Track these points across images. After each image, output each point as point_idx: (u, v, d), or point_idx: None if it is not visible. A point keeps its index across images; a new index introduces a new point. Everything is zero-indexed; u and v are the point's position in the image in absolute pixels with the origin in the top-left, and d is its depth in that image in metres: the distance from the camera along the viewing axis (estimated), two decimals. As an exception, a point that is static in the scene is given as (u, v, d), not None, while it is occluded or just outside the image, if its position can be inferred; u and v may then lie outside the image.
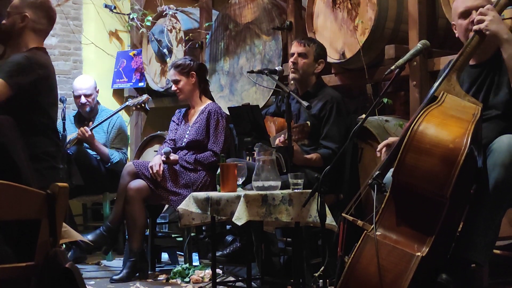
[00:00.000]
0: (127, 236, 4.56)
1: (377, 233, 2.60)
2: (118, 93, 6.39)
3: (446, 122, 2.64)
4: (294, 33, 4.66)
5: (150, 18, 5.84)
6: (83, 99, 5.27)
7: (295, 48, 4.07)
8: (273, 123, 4.07)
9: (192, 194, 3.57)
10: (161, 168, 4.38)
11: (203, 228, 4.61)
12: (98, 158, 5.15)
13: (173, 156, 4.47)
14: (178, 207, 3.63)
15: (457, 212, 2.75)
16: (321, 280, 3.35)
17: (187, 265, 4.32)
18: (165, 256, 5.13)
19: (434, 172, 2.54)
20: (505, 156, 2.74)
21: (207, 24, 5.43)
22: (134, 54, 6.14)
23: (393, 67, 2.96)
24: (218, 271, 4.13)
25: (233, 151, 4.79)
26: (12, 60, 3.31)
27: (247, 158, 4.15)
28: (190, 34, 5.54)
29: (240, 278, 3.92)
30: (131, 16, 6.09)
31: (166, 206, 4.94)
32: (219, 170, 3.50)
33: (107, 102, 5.97)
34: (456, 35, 3.14)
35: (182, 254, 4.77)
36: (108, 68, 6.29)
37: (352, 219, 2.74)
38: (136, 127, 6.21)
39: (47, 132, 3.40)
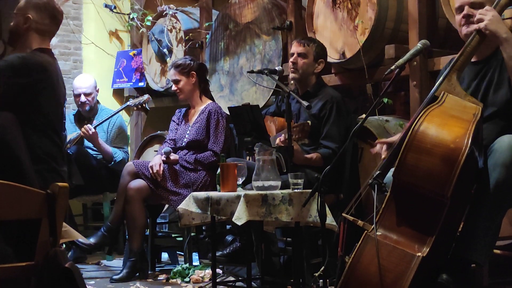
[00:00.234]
0: (127, 236, 4.56)
1: (377, 233, 2.60)
2: (118, 93, 6.39)
3: (447, 122, 2.64)
4: (294, 33, 4.66)
5: (150, 18, 5.84)
6: (82, 98, 5.27)
7: (295, 48, 4.06)
8: (273, 123, 4.07)
9: (192, 194, 3.57)
10: (161, 168, 4.38)
11: (203, 228, 4.61)
12: (98, 158, 5.14)
13: (173, 156, 4.47)
14: (178, 207, 3.63)
15: (458, 212, 2.74)
16: (321, 280, 3.35)
17: (187, 265, 4.32)
18: (165, 256, 5.13)
19: (435, 172, 2.54)
20: (506, 156, 2.74)
21: (207, 24, 5.43)
22: (134, 54, 6.14)
23: (393, 67, 2.96)
24: (218, 271, 4.13)
25: (233, 151, 4.78)
26: (6, 59, 3.33)
27: (247, 158, 4.15)
28: (190, 34, 5.54)
29: (240, 278, 3.92)
30: (131, 16, 6.09)
31: (166, 206, 4.93)
32: (219, 170, 3.49)
33: (107, 102, 5.97)
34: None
35: (182, 254, 4.77)
36: (108, 68, 6.29)
37: (352, 219, 2.74)
38: (136, 127, 6.21)
39: (47, 133, 3.40)
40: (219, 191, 3.46)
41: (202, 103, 4.66)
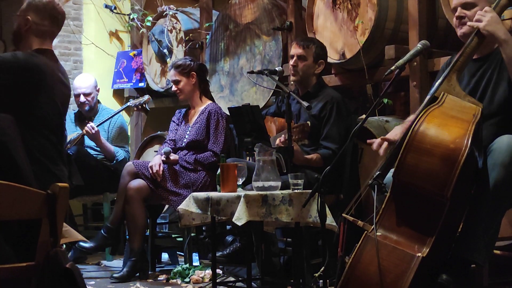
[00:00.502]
0: (127, 236, 4.56)
1: (377, 233, 2.60)
2: (118, 93, 6.39)
3: (447, 122, 2.64)
4: (294, 34, 4.66)
5: (150, 19, 5.84)
6: (82, 98, 5.26)
7: (294, 50, 4.05)
8: (273, 123, 4.07)
9: (192, 194, 3.57)
10: (161, 168, 4.38)
11: (203, 228, 4.61)
12: (99, 158, 5.15)
13: (173, 156, 4.47)
14: (178, 207, 3.63)
15: (458, 212, 2.75)
16: (321, 281, 3.35)
17: (187, 265, 4.32)
18: (165, 256, 5.13)
19: (434, 173, 2.54)
20: (505, 156, 2.75)
21: (207, 25, 5.43)
22: (134, 55, 6.14)
23: (393, 67, 2.96)
24: (218, 271, 4.13)
25: (233, 151, 4.79)
26: (1, 55, 3.40)
27: (247, 158, 4.15)
28: (190, 35, 5.54)
29: (240, 278, 3.92)
30: (131, 17, 6.09)
31: (166, 206, 4.93)
32: (219, 170, 3.50)
33: (107, 102, 5.97)
34: None
35: (182, 254, 4.77)
36: (108, 68, 6.29)
37: (352, 220, 2.74)
38: (136, 127, 6.21)
39: (41, 132, 3.42)
40: (219, 192, 3.46)
41: (202, 103, 4.66)
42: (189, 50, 5.48)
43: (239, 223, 3.20)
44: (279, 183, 3.37)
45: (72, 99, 5.51)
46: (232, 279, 4.03)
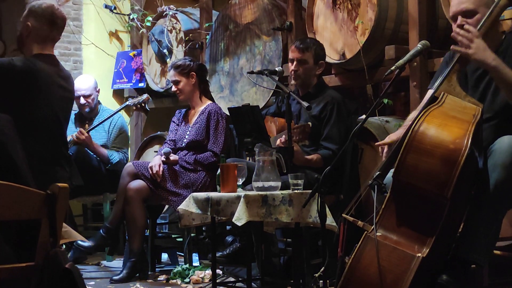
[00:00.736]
0: (127, 237, 4.56)
1: (377, 233, 2.60)
2: (118, 94, 6.39)
3: (447, 123, 2.63)
4: (294, 34, 4.66)
5: (150, 19, 5.84)
6: (82, 100, 5.25)
7: (294, 54, 4.01)
8: (273, 123, 4.07)
9: (192, 195, 3.57)
10: (161, 169, 4.38)
11: (203, 228, 4.61)
12: (98, 158, 5.14)
13: (173, 157, 4.47)
14: (178, 207, 3.63)
15: (458, 212, 2.74)
16: (321, 281, 3.35)
17: (187, 265, 4.32)
18: (165, 256, 5.13)
19: (434, 173, 2.54)
20: (506, 156, 2.74)
21: (207, 25, 5.43)
22: (134, 55, 6.14)
23: (393, 67, 2.96)
24: (218, 271, 4.13)
25: (233, 151, 4.78)
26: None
27: (247, 158, 4.15)
28: (190, 35, 5.54)
29: (240, 279, 3.92)
30: (131, 17, 6.09)
31: (166, 206, 4.93)
32: (219, 171, 3.50)
33: (107, 103, 5.97)
34: None
35: (182, 254, 4.77)
36: (108, 69, 6.29)
37: (352, 220, 2.74)
38: (136, 128, 6.21)
39: (33, 134, 3.50)
40: (219, 192, 3.46)
41: (202, 103, 4.66)
42: (189, 50, 5.48)
43: (239, 224, 3.20)
44: (279, 183, 3.36)
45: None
46: (232, 279, 4.03)
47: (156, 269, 4.67)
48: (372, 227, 2.62)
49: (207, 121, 4.53)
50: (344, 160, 3.86)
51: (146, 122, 6.25)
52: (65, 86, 3.79)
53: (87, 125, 5.16)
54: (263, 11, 4.88)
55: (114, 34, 6.50)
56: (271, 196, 3.28)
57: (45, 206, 1.79)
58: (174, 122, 4.77)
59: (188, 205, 3.55)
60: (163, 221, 5.26)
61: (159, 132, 5.55)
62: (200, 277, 4.13)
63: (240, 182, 3.51)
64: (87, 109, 5.29)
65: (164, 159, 4.43)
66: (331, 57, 4.35)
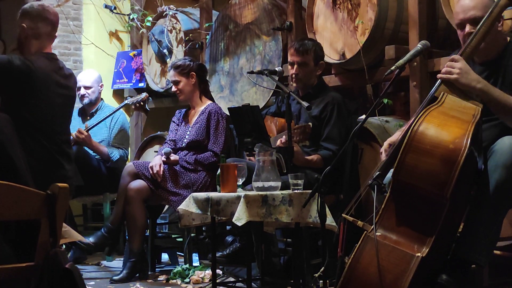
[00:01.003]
0: (127, 237, 4.56)
1: (377, 233, 2.60)
2: (118, 94, 6.39)
3: (446, 122, 2.64)
4: (294, 34, 4.66)
5: (150, 19, 5.84)
6: (82, 91, 5.30)
7: (294, 58, 3.99)
8: (273, 123, 4.07)
9: (192, 195, 3.57)
10: (161, 169, 4.38)
11: (203, 228, 4.61)
12: (99, 158, 5.14)
13: (173, 157, 4.47)
14: (178, 207, 3.63)
15: (457, 212, 2.75)
16: (321, 281, 3.35)
17: (187, 265, 4.32)
18: (165, 256, 5.12)
19: (434, 173, 2.54)
20: (507, 157, 2.74)
21: (207, 25, 5.43)
22: (134, 55, 6.14)
23: (393, 67, 2.96)
24: (218, 271, 4.13)
25: (233, 151, 4.78)
26: None
27: (247, 158, 4.15)
28: (190, 35, 5.54)
29: (240, 279, 3.92)
30: (131, 17, 6.09)
31: (166, 206, 4.93)
32: (219, 171, 3.50)
33: (107, 102, 5.97)
34: None
35: (182, 254, 4.77)
36: (108, 69, 6.29)
37: (352, 220, 2.74)
38: (136, 128, 6.21)
39: (29, 132, 3.51)
40: (219, 192, 3.46)
41: (202, 103, 4.66)
42: (189, 50, 5.48)
43: (239, 224, 3.20)
44: (279, 184, 3.36)
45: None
46: (232, 279, 4.03)
47: (156, 269, 4.67)
48: (372, 227, 2.62)
49: (207, 121, 4.53)
50: (344, 160, 3.86)
51: (146, 122, 6.25)
52: (65, 83, 3.82)
53: (86, 124, 5.16)
54: (263, 11, 4.87)
55: (114, 34, 6.50)
56: (271, 196, 3.28)
57: (45, 206, 1.79)
58: (174, 122, 4.76)
59: (188, 205, 3.55)
60: (163, 221, 5.26)
61: (159, 132, 5.55)
62: (200, 277, 4.13)
63: (240, 182, 3.51)
64: (86, 101, 5.31)
65: (165, 159, 4.43)
66: (331, 57, 4.35)
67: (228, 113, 4.25)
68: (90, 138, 5.01)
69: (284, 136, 3.69)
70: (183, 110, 4.78)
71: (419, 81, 3.95)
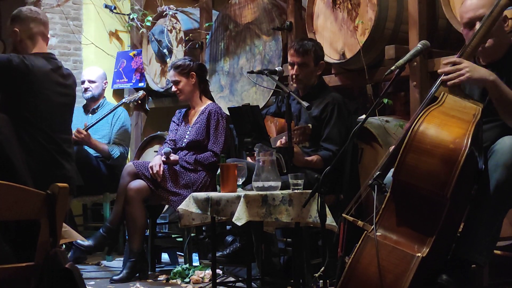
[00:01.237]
0: (127, 237, 4.56)
1: (377, 233, 2.60)
2: (118, 93, 6.39)
3: (447, 122, 2.63)
4: (294, 34, 4.66)
5: (150, 19, 5.84)
6: (86, 84, 5.35)
7: (294, 58, 3.98)
8: (273, 123, 4.07)
9: (192, 195, 3.57)
10: (161, 169, 4.38)
11: (203, 228, 4.61)
12: (99, 158, 5.14)
13: (173, 157, 4.47)
14: (178, 207, 3.63)
15: (458, 212, 2.74)
16: (321, 281, 3.35)
17: (187, 265, 4.32)
18: (165, 256, 5.12)
19: (434, 173, 2.54)
20: (507, 157, 2.74)
21: (207, 25, 5.43)
22: (134, 55, 6.14)
23: (393, 67, 2.95)
24: (218, 271, 4.13)
25: (233, 151, 4.78)
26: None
27: (247, 158, 4.15)
28: (190, 35, 5.54)
29: (240, 279, 3.92)
30: (131, 17, 6.09)
31: (166, 206, 4.93)
32: (219, 171, 3.49)
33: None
34: None
35: (182, 254, 4.76)
36: (108, 69, 6.28)
37: (352, 220, 2.74)
38: (136, 128, 6.21)
39: (27, 130, 3.53)
40: (219, 192, 3.46)
41: (202, 103, 4.66)
42: (189, 50, 5.48)
43: (239, 223, 3.20)
44: (279, 183, 3.36)
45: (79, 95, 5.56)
46: (232, 279, 4.03)
47: (156, 269, 4.67)
48: (372, 227, 2.62)
49: (207, 121, 4.53)
50: (344, 160, 3.85)
51: (146, 122, 6.25)
52: (64, 83, 3.86)
53: (86, 123, 5.16)
54: (263, 11, 4.87)
55: (114, 34, 6.50)
56: (271, 196, 3.28)
57: (45, 206, 1.79)
58: (174, 122, 4.76)
59: (188, 205, 3.55)
60: (163, 221, 5.26)
61: (159, 132, 5.55)
62: (200, 277, 4.13)
63: (240, 182, 3.51)
64: (89, 94, 5.35)
65: (165, 159, 4.43)
66: (331, 57, 4.35)
67: (228, 113, 4.25)
68: (89, 137, 5.02)
69: (284, 137, 3.69)
70: (183, 110, 4.78)
71: (419, 81, 3.95)
